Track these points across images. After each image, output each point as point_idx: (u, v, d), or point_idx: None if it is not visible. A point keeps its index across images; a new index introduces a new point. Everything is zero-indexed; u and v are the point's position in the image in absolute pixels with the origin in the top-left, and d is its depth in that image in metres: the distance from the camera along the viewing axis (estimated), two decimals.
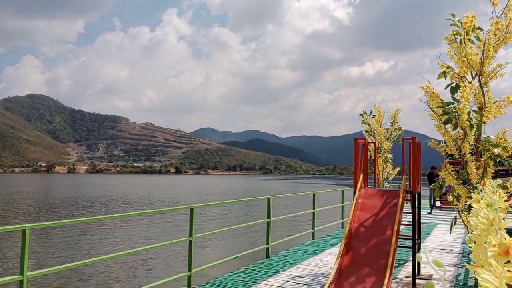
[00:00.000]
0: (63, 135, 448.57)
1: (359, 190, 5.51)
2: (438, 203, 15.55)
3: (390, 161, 10.94)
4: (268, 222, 7.22)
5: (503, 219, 1.85)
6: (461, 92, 4.76)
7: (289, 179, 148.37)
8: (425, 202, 15.94)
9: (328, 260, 6.78)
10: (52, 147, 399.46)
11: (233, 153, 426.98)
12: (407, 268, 6.06)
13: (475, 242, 1.59)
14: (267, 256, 7.03)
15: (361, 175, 5.68)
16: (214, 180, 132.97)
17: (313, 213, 9.02)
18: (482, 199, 2.33)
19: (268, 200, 7.31)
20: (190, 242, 5.34)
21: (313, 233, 8.96)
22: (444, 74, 5.37)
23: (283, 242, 8.14)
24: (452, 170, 5.43)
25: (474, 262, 1.46)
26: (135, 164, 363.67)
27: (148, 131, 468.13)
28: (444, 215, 13.43)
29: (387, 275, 4.13)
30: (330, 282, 4.32)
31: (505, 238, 1.19)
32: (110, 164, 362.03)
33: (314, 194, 9.20)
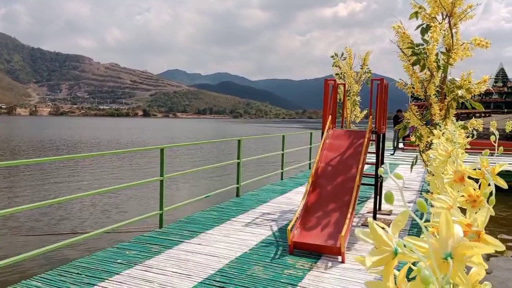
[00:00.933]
0: (22, 75, 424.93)
1: (327, 131, 5.64)
2: (401, 145, 16.19)
3: (358, 104, 11.15)
4: (238, 163, 7.34)
5: (461, 153, 1.94)
6: (431, 33, 4.79)
7: (259, 123, 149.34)
8: (389, 144, 16.57)
9: (295, 198, 7.06)
10: (12, 88, 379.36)
11: (203, 96, 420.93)
12: (370, 205, 6.41)
13: (433, 175, 1.68)
14: (237, 195, 7.23)
15: (330, 116, 5.77)
16: (184, 123, 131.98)
17: (282, 154, 9.22)
18: (443, 135, 2.43)
19: (239, 141, 7.37)
20: (161, 181, 5.38)
21: (282, 173, 9.23)
22: (416, 14, 5.35)
23: (253, 182, 8.35)
24: (416, 112, 5.61)
25: (431, 192, 1.56)
26: (101, 107, 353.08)
27: (113, 72, 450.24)
28: (406, 156, 14.07)
29: (350, 210, 4.37)
30: (297, 217, 4.53)
31: (461, 166, 1.26)
32: (74, 106, 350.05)
33: (283, 136, 9.34)
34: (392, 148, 15.46)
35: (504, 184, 1.21)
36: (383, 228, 0.61)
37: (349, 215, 4.31)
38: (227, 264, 3.98)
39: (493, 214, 1.01)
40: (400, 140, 15.53)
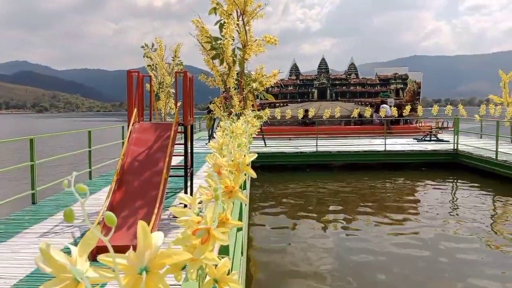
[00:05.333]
0: None
1: (133, 125, 5.39)
2: (215, 134, 17.06)
3: (173, 95, 11.15)
4: (32, 166, 6.36)
5: (237, 144, 2.01)
6: (225, 29, 5.06)
7: (70, 117, 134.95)
8: (205, 134, 17.22)
9: (104, 198, 6.56)
10: None
11: None
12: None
13: None
14: (34, 203, 6.28)
15: (135, 109, 5.54)
16: None
17: (89, 151, 8.46)
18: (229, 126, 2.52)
19: (31, 140, 6.39)
20: None
21: (90, 172, 8.47)
22: (214, 10, 5.58)
23: (54, 186, 7.40)
24: (220, 104, 5.90)
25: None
26: None
27: None
28: None
29: (157, 205, 4.28)
30: (100, 220, 4.19)
31: (218, 159, 1.28)
32: None
33: (89, 132, 8.57)
34: (207, 137, 16.13)
35: (253, 174, 1.28)
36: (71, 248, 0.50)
37: (156, 210, 4.21)
38: (14, 285, 3.37)
39: (246, 203, 1.04)
40: (215, 129, 16.31)
